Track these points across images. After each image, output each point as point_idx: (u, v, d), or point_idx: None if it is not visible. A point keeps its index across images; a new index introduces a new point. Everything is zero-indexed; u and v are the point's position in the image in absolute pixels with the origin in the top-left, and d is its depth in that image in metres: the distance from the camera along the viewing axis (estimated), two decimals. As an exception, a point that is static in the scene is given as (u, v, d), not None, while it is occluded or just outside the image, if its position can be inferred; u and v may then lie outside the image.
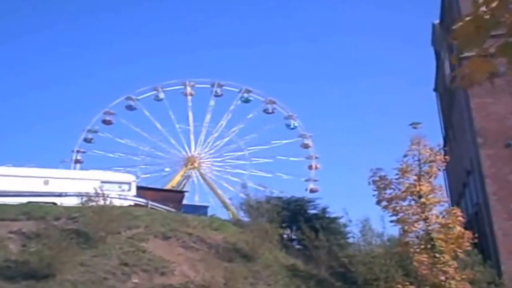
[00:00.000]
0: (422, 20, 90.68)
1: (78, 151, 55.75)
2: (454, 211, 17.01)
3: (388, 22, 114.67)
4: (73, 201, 24.01)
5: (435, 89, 34.51)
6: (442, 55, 29.95)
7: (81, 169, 51.35)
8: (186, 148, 58.53)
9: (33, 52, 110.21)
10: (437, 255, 15.94)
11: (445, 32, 25.76)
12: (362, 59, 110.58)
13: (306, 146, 57.41)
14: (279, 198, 29.18)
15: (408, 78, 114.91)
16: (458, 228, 16.29)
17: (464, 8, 21.06)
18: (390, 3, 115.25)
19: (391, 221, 17.93)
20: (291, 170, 64.42)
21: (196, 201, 50.50)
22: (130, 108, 57.24)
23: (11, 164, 29.28)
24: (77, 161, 55.12)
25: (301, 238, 23.43)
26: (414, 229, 16.97)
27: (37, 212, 22.01)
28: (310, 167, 56.74)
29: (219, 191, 56.43)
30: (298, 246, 25.56)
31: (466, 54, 3.67)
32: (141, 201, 28.98)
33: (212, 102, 59.14)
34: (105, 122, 56.32)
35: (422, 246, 16.41)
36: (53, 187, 27.19)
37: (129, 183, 30.03)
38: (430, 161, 17.08)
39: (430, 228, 16.52)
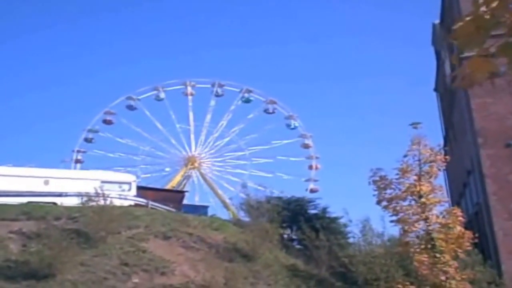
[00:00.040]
0: (422, 20, 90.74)
1: (78, 151, 55.71)
2: (454, 211, 17.01)
3: (388, 22, 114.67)
4: (73, 201, 24.04)
5: (436, 89, 34.49)
6: (443, 55, 29.94)
7: (82, 169, 51.35)
8: (187, 148, 58.54)
9: (33, 52, 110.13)
10: (438, 255, 15.93)
11: (446, 32, 25.73)
12: (362, 59, 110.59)
13: (306, 146, 57.38)
14: (280, 198, 29.12)
15: (408, 78, 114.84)
16: (459, 228, 16.28)
17: (464, 8, 21.05)
18: (390, 3, 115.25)
19: (391, 221, 17.93)
20: (292, 170, 64.29)
21: (197, 201, 50.64)
22: (130, 108, 57.16)
23: (11, 164, 29.39)
24: (77, 161, 55.08)
25: (302, 238, 23.42)
26: (414, 229, 16.96)
27: (38, 212, 22.03)
28: (310, 167, 56.72)
29: (220, 191, 56.42)
30: (298, 246, 25.55)
31: (466, 54, 3.67)
32: (142, 201, 29.00)
33: (212, 102, 59.21)
34: (106, 122, 56.26)
35: (423, 246, 16.38)
36: (53, 187, 27.21)
37: (129, 183, 30.05)
38: (431, 161, 17.06)
39: (430, 228, 16.51)
